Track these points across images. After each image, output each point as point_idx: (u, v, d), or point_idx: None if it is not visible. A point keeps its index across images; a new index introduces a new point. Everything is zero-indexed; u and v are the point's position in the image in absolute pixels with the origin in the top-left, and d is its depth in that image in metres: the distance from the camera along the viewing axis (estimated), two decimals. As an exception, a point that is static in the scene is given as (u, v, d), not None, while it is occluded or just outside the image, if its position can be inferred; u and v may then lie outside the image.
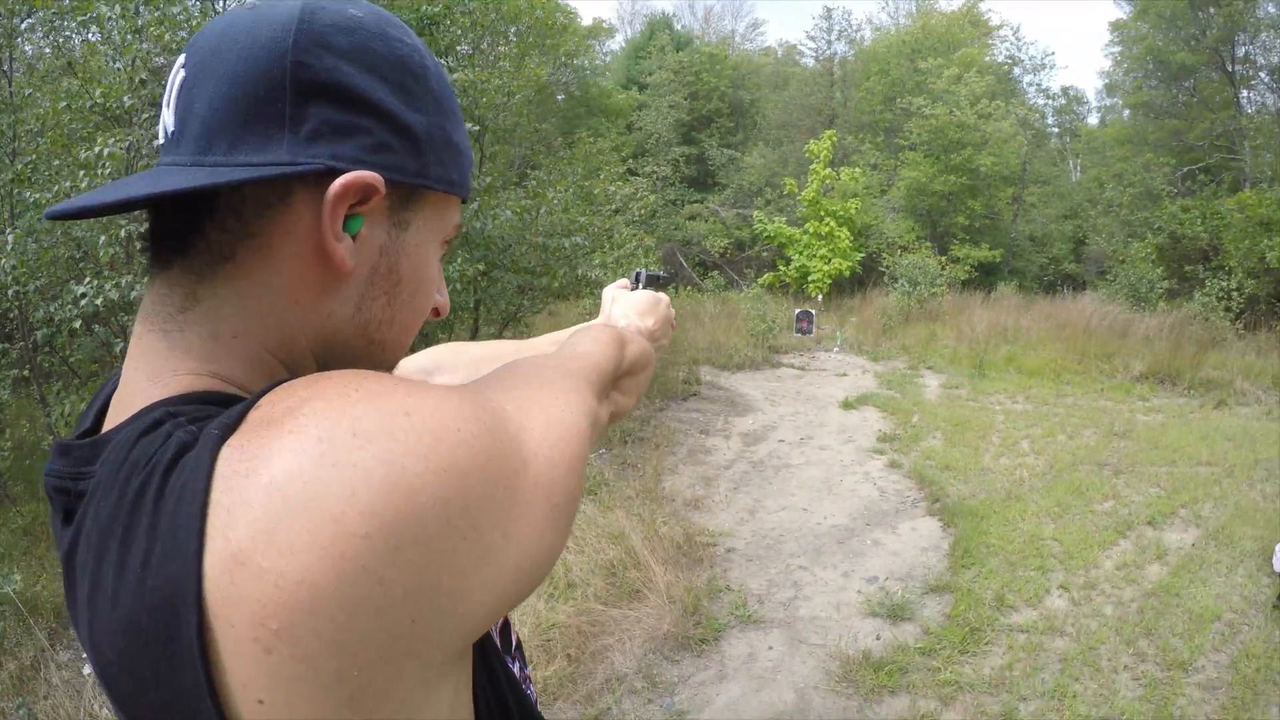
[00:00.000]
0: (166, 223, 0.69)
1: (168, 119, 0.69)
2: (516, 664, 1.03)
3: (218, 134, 0.65)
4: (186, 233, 0.67)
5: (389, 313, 0.76)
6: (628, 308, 1.40)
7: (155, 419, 0.60)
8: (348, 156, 0.67)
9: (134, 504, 0.55)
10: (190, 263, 0.68)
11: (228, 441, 0.53)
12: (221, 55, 0.66)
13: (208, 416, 0.59)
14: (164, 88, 0.71)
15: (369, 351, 0.77)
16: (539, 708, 0.96)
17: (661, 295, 1.46)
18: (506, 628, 1.04)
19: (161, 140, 0.71)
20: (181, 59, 0.69)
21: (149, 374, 0.68)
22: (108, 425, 0.70)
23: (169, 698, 0.51)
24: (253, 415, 0.55)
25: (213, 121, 0.65)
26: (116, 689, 0.55)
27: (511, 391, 0.70)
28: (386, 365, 0.81)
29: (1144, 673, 4.37)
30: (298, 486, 0.50)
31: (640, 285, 1.55)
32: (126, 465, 0.57)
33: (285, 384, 0.58)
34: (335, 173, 0.66)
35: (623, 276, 1.72)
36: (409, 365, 1.29)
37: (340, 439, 0.52)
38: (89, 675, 4.05)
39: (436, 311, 0.85)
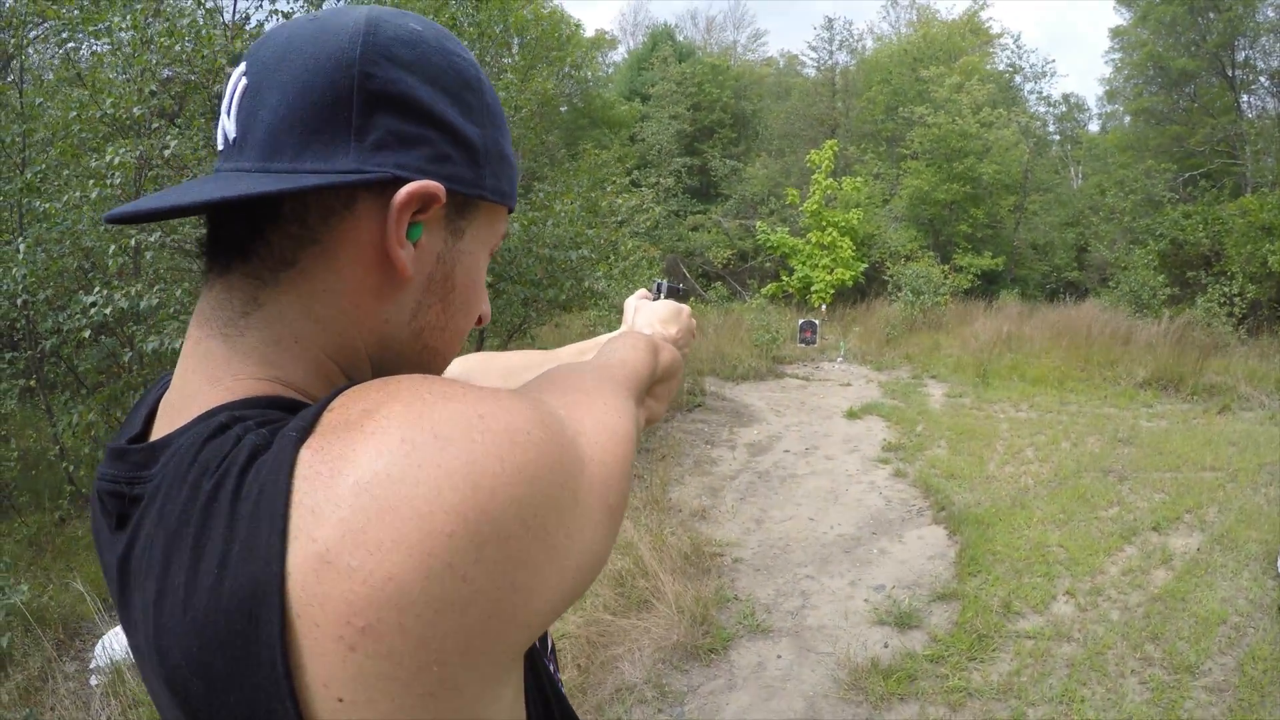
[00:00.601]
0: (227, 228, 0.70)
1: (228, 126, 0.70)
2: (552, 665, 1.04)
3: (284, 141, 0.66)
4: (248, 238, 0.68)
5: (443, 319, 0.78)
6: (651, 317, 1.41)
7: (221, 423, 0.61)
8: (411, 166, 0.68)
9: (207, 506, 0.55)
10: (251, 268, 0.69)
11: (306, 444, 0.54)
12: (287, 64, 0.67)
13: (275, 421, 0.60)
14: (223, 95, 0.72)
15: (421, 357, 0.79)
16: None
17: (683, 305, 1.47)
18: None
19: (221, 146, 0.72)
20: (242, 67, 0.71)
21: (208, 378, 0.68)
22: (159, 429, 0.71)
23: (245, 699, 0.52)
24: (327, 418, 0.56)
25: (279, 129, 0.66)
26: (186, 693, 0.55)
27: (562, 397, 0.72)
28: (436, 370, 0.82)
29: (1151, 677, 4.37)
30: (386, 486, 0.51)
31: (662, 295, 1.56)
32: (195, 468, 0.58)
33: (355, 388, 0.59)
34: (399, 181, 0.68)
35: (630, 288, 1.73)
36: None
37: (423, 441, 0.53)
38: (96, 686, 4.06)
39: (480, 319, 0.87)
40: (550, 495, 0.58)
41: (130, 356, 5.60)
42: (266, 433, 0.58)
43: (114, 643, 4.20)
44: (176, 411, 0.68)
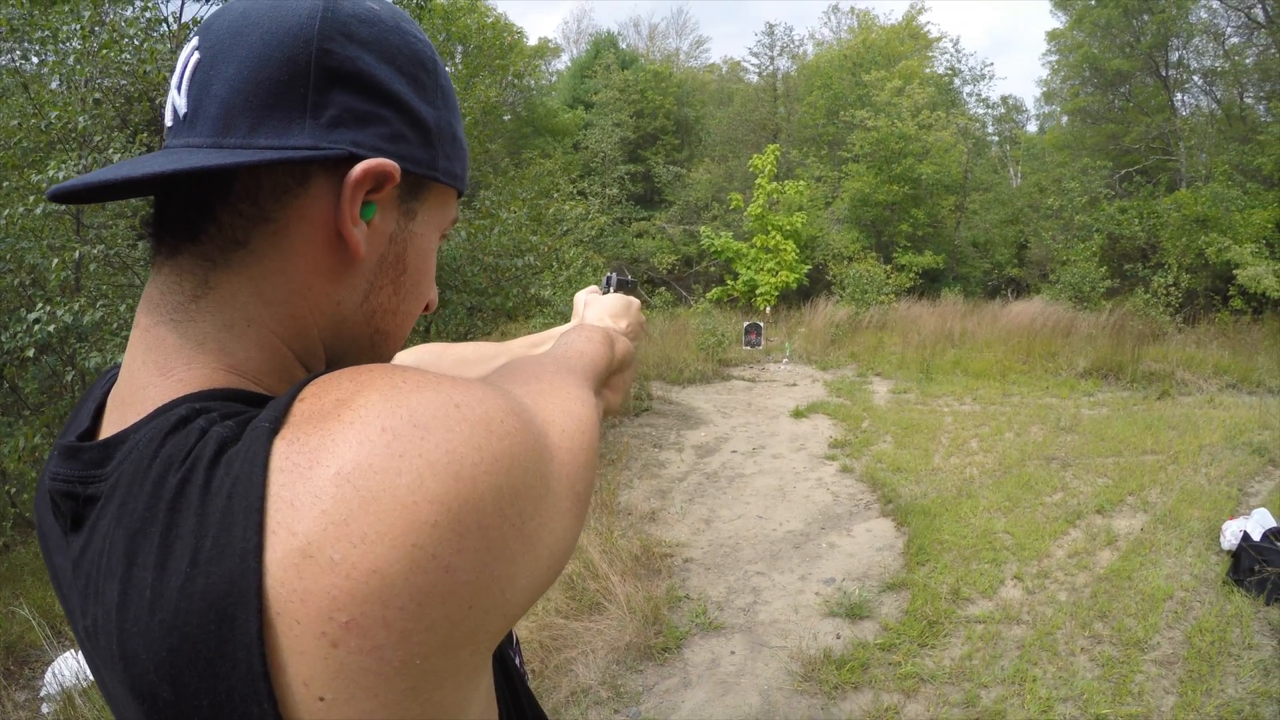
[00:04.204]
0: (176, 206, 0.67)
1: (178, 101, 0.68)
2: (518, 658, 1.06)
3: (238, 116, 0.65)
4: (197, 217, 0.66)
5: (394, 301, 0.77)
6: (601, 311, 1.40)
7: (182, 416, 0.59)
8: (366, 144, 0.68)
9: (173, 502, 0.53)
10: (201, 249, 0.66)
11: (279, 435, 0.53)
12: (242, 38, 0.66)
13: (239, 413, 0.59)
14: (174, 69, 0.70)
15: (373, 341, 0.78)
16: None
17: (632, 299, 1.47)
18: None
19: (170, 122, 0.70)
20: (194, 41, 0.69)
21: (159, 368, 0.66)
22: (109, 424, 0.69)
23: (219, 702, 0.50)
24: (299, 408, 0.55)
25: (233, 103, 0.65)
26: (154, 699, 0.52)
27: (526, 387, 0.72)
28: (387, 355, 0.82)
29: (1101, 653, 4.46)
30: (368, 477, 0.50)
31: (611, 289, 1.57)
32: (158, 463, 0.56)
33: (323, 377, 0.58)
34: (353, 159, 0.67)
35: (578, 291, 1.73)
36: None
37: (403, 430, 0.52)
38: (48, 713, 3.99)
39: (427, 306, 0.85)
40: (525, 484, 0.57)
41: (73, 376, 5.51)
42: (233, 425, 0.57)
43: (64, 669, 4.12)
44: (127, 405, 0.66)
